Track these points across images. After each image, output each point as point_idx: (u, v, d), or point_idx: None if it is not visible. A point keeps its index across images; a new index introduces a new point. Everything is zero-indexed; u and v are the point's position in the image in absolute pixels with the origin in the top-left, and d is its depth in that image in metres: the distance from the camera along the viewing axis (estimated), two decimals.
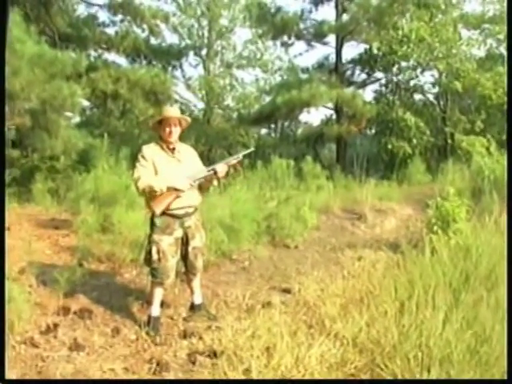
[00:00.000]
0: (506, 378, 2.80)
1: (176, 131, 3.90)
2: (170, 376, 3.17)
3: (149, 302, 4.07)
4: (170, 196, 3.75)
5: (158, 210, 3.76)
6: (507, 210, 4.06)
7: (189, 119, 4.05)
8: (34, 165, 10.04)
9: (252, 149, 4.81)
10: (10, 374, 3.03)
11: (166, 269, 3.84)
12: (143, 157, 3.83)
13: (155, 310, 3.98)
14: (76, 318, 4.01)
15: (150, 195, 3.78)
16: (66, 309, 4.09)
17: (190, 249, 4.01)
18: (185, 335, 3.81)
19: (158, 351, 3.55)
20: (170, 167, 3.84)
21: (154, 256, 3.83)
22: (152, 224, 3.87)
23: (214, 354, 3.41)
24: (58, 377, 3.08)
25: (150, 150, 3.86)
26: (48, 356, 3.36)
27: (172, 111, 3.95)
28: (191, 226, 3.98)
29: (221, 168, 3.95)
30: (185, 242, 3.99)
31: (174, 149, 3.91)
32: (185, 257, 4.03)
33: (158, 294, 3.99)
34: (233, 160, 4.12)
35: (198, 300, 4.27)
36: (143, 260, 4.11)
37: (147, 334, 3.79)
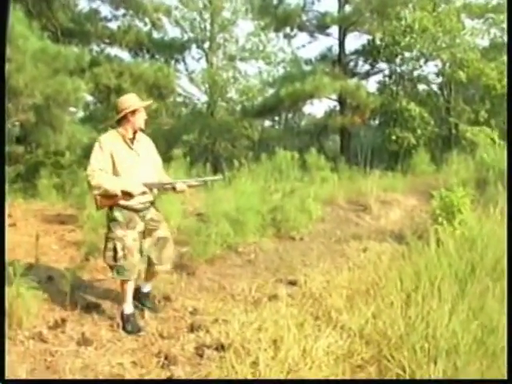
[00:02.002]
0: (506, 377, 2.80)
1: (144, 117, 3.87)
2: (178, 369, 3.18)
3: (121, 300, 3.95)
4: (118, 198, 3.66)
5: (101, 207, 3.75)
6: (507, 201, 4.04)
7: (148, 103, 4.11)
8: (38, 160, 10.09)
9: (221, 177, 4.82)
10: (20, 370, 3.05)
11: (131, 265, 3.72)
12: (101, 148, 3.68)
13: (128, 307, 3.87)
14: (83, 313, 4.02)
15: (100, 193, 3.66)
16: (73, 304, 4.11)
17: (154, 240, 3.90)
18: (192, 329, 3.82)
19: (165, 345, 3.56)
20: (129, 161, 3.71)
21: (120, 253, 3.68)
22: (113, 219, 3.73)
23: (221, 347, 3.43)
24: (67, 372, 3.11)
25: (109, 141, 3.74)
26: (56, 351, 3.38)
27: (138, 101, 3.92)
28: (153, 218, 3.88)
29: (180, 186, 3.87)
30: (146, 234, 3.88)
31: (134, 138, 3.81)
32: (149, 249, 3.91)
33: (130, 289, 3.88)
34: (195, 182, 4.09)
35: (146, 288, 4.25)
36: (105, 258, 3.83)
37: (126, 331, 3.73)
